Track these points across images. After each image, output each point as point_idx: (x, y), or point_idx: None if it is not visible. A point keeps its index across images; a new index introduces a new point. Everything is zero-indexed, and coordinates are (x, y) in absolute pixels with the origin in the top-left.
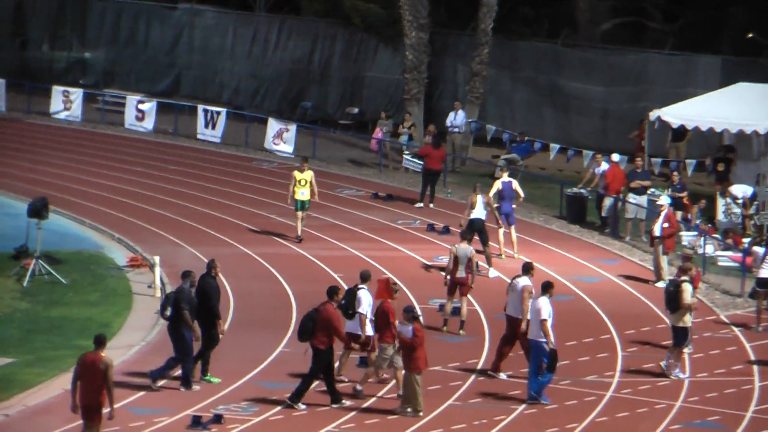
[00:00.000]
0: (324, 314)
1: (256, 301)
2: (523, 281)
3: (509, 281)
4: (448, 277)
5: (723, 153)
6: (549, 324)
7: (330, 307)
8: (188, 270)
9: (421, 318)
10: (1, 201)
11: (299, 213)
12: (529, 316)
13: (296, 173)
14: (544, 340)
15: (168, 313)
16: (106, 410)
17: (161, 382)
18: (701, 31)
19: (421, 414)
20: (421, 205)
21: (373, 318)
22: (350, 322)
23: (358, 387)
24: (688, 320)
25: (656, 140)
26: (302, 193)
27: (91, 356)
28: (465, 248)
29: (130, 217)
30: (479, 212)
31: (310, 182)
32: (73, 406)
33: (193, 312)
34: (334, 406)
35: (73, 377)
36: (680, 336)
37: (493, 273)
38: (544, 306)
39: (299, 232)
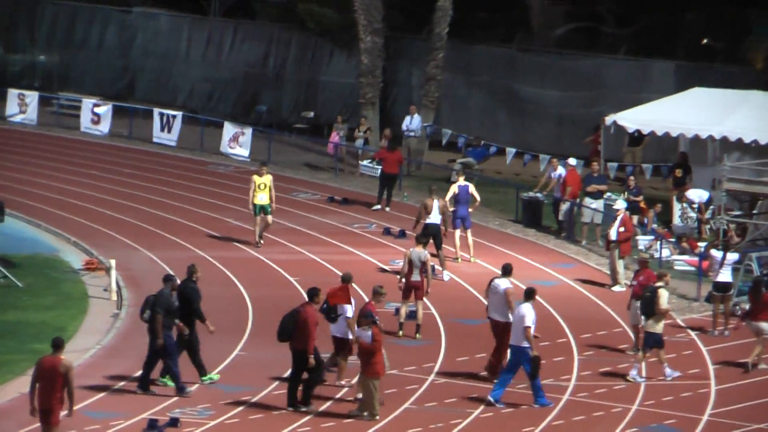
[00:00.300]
0: (302, 315)
1: (212, 305)
2: (504, 283)
3: (488, 283)
4: (403, 280)
5: (680, 159)
6: (532, 330)
7: (309, 309)
8: (170, 274)
9: (379, 323)
10: None
11: (258, 218)
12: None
13: (255, 177)
14: (527, 346)
15: (146, 316)
16: (63, 412)
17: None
18: (655, 36)
19: (377, 418)
20: (379, 207)
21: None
22: (334, 326)
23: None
24: (661, 326)
25: (612, 145)
26: (261, 198)
27: (50, 360)
28: (419, 252)
29: (86, 221)
30: (434, 217)
31: (269, 187)
32: (32, 410)
33: (173, 315)
34: (303, 408)
35: (31, 381)
36: (653, 340)
37: (446, 276)
38: (528, 313)
39: (257, 237)
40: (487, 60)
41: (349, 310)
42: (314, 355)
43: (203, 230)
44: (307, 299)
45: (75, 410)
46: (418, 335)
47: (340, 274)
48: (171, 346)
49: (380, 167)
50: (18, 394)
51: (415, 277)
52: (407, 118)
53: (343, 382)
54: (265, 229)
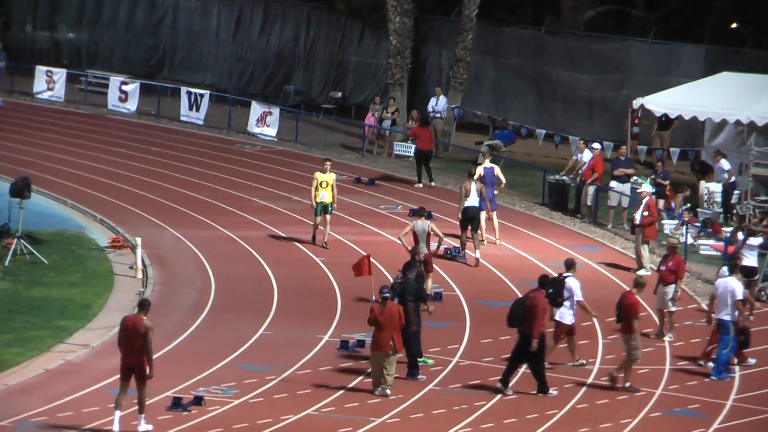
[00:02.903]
0: (532, 301)
1: (237, 284)
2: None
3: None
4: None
5: (696, 160)
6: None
7: (539, 295)
8: (413, 260)
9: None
10: None
11: (319, 218)
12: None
13: (318, 174)
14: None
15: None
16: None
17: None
18: (684, 20)
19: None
20: (421, 185)
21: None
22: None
23: (627, 384)
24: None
25: (641, 128)
26: (323, 196)
27: (132, 318)
28: (422, 224)
29: (112, 198)
30: (473, 200)
31: (332, 185)
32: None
33: (419, 301)
34: (540, 395)
35: (117, 338)
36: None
37: (474, 257)
38: (737, 286)
39: (319, 237)
40: (516, 42)
41: (579, 292)
42: (539, 342)
43: (229, 209)
44: (539, 286)
45: (94, 389)
46: (430, 307)
47: (364, 254)
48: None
49: (414, 146)
50: (43, 370)
51: (423, 250)
52: (433, 99)
53: (583, 360)
54: (325, 229)
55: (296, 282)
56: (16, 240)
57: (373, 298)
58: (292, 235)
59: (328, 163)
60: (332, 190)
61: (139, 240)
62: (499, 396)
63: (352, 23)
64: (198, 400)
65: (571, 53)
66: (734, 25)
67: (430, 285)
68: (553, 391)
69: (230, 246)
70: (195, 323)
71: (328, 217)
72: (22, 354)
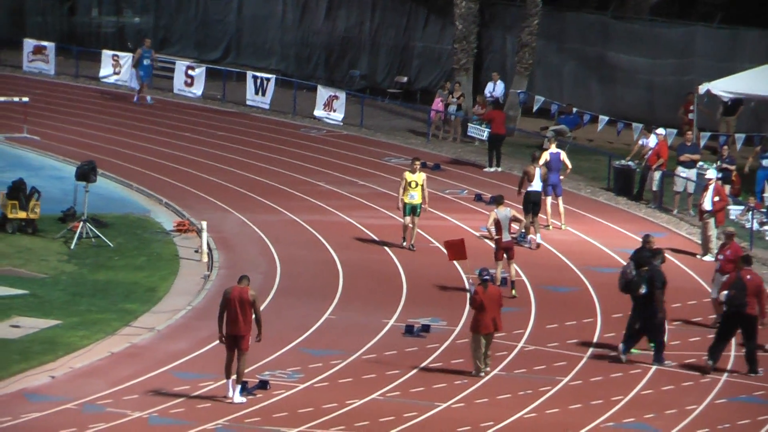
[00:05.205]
0: (756, 280)
1: (302, 269)
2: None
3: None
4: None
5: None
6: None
7: (755, 274)
8: (659, 248)
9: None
10: (50, 164)
11: (407, 218)
12: None
13: (407, 174)
14: None
15: (643, 290)
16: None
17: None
18: (749, 5)
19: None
20: (492, 169)
21: None
22: None
23: None
24: None
25: (705, 114)
26: (412, 196)
27: (238, 289)
28: (504, 211)
29: (177, 182)
30: (536, 184)
31: (422, 185)
32: (220, 337)
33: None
34: (752, 375)
35: (219, 311)
36: None
37: (536, 241)
38: None
39: (409, 239)
40: (580, 27)
41: None
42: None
43: (294, 193)
44: (744, 264)
45: (158, 373)
46: (513, 291)
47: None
48: (661, 320)
49: (488, 130)
50: (108, 353)
51: (506, 237)
52: (490, 84)
53: None
54: (413, 231)
55: (361, 266)
56: (81, 223)
57: (470, 280)
58: (358, 220)
59: (418, 162)
60: (422, 190)
61: (204, 224)
62: (565, 381)
63: (418, 8)
64: (263, 384)
65: (636, 38)
66: None
67: (513, 272)
68: (760, 371)
69: (295, 230)
70: (260, 308)
71: (416, 219)
72: (88, 337)
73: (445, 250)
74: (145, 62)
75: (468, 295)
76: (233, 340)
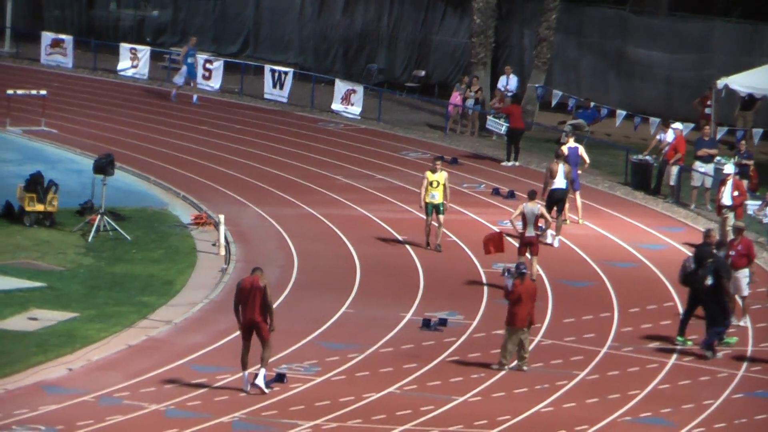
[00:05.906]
0: None
1: (319, 262)
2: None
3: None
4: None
5: None
6: None
7: None
8: (720, 239)
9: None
10: (68, 157)
11: (429, 218)
12: None
13: (428, 174)
14: None
15: (709, 282)
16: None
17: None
18: None
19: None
20: (511, 164)
21: None
22: None
23: None
24: None
25: (723, 108)
26: (433, 196)
27: (249, 279)
28: (532, 206)
29: (195, 175)
30: (560, 182)
31: (444, 184)
32: (240, 327)
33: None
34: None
35: (234, 302)
36: None
37: (556, 242)
38: None
39: (434, 240)
40: (599, 22)
41: None
42: None
43: (312, 187)
44: None
45: (176, 366)
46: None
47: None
48: (727, 310)
49: (506, 124)
50: (126, 346)
51: (530, 232)
52: (503, 78)
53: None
54: (438, 230)
55: (378, 260)
56: (99, 216)
57: (505, 273)
58: (375, 214)
59: (439, 162)
60: (444, 189)
61: (222, 217)
62: (582, 375)
63: (435, 2)
64: (280, 378)
65: (654, 33)
66: None
67: (535, 269)
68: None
69: (313, 224)
70: (277, 301)
71: (441, 217)
72: (105, 330)
73: (483, 244)
74: (189, 60)
75: (506, 287)
76: (249, 327)
